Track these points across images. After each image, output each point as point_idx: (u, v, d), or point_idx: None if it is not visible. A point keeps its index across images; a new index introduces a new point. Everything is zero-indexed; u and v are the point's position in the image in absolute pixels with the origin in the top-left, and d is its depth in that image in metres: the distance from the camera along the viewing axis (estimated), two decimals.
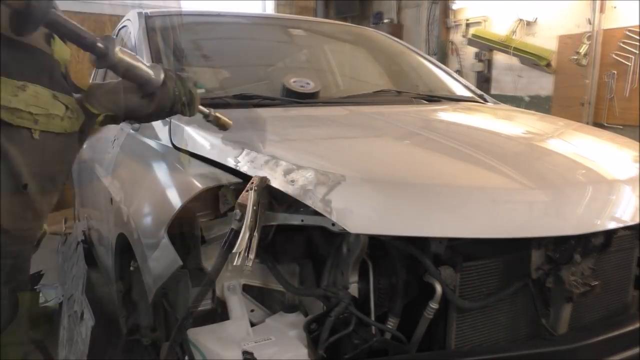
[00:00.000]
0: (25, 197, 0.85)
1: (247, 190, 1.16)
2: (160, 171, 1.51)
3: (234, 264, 1.10)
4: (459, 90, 2.56)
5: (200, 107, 1.19)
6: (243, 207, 1.13)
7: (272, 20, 3.01)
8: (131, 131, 1.96)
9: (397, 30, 6.74)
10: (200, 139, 1.49)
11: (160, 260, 1.34)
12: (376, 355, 1.17)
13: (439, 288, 1.18)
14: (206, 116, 1.21)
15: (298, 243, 1.36)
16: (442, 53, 6.31)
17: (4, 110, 0.79)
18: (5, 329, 0.93)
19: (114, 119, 1.10)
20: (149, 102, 1.06)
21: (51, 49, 0.93)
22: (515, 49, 5.26)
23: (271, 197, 1.23)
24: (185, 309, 1.21)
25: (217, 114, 1.22)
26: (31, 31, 0.85)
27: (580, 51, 4.63)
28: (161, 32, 2.17)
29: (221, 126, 1.24)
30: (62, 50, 0.96)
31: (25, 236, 0.90)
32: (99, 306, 2.68)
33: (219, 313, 1.37)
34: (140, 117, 1.10)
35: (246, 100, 1.87)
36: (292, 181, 1.20)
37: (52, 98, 0.88)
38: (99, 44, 0.97)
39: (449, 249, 1.22)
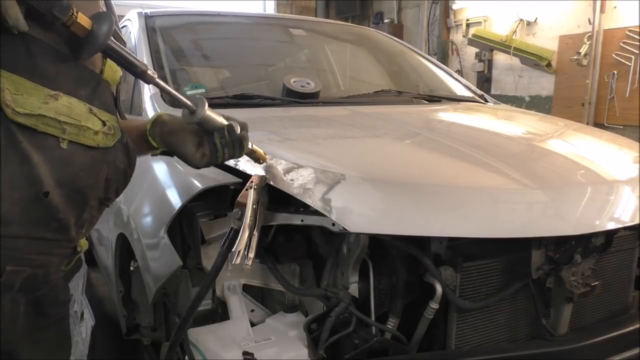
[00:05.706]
0: (47, 206, 0.83)
1: (247, 189, 1.16)
2: (160, 171, 1.51)
3: (234, 263, 1.09)
4: (460, 90, 2.56)
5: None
6: (243, 206, 1.13)
7: (273, 20, 3.01)
8: None
9: (397, 30, 6.75)
10: None
11: (160, 260, 1.34)
12: (376, 355, 1.17)
13: (439, 288, 1.18)
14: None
15: (298, 243, 1.36)
16: (443, 53, 6.31)
17: (27, 117, 0.79)
18: (20, 336, 0.89)
19: (168, 154, 1.12)
20: (201, 157, 1.08)
21: (102, 68, 0.94)
22: (516, 49, 5.27)
23: (271, 197, 1.23)
24: (185, 309, 1.21)
25: (255, 147, 1.17)
26: (86, 58, 0.87)
27: (581, 51, 4.63)
28: (161, 32, 2.17)
29: (256, 160, 1.20)
30: (112, 71, 0.97)
31: (49, 247, 0.87)
32: (99, 306, 2.68)
33: (219, 313, 1.37)
34: (191, 165, 1.11)
35: (246, 100, 1.87)
36: (292, 180, 1.20)
37: (87, 112, 0.88)
38: (189, 104, 1.01)
39: (449, 249, 1.22)
